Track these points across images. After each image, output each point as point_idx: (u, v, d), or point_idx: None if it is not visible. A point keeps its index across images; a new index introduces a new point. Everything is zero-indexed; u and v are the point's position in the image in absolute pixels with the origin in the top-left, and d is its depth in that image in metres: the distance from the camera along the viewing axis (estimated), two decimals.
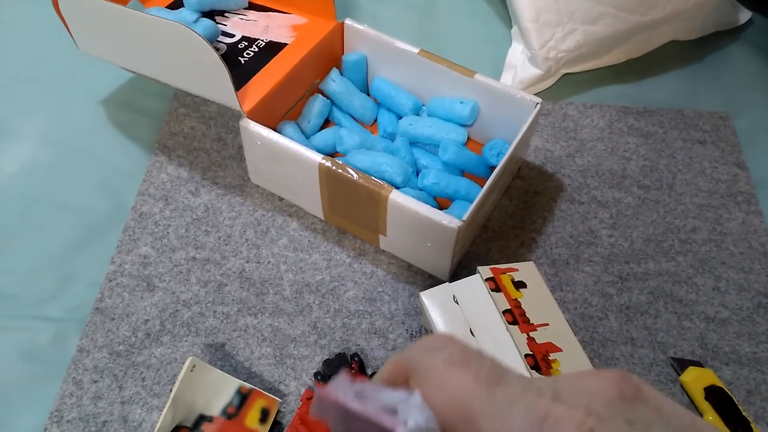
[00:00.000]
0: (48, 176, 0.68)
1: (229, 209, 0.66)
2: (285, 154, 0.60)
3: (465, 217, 0.54)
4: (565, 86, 0.79)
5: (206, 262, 0.62)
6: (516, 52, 0.79)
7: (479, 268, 0.54)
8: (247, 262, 0.62)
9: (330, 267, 0.62)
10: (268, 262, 0.62)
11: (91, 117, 0.74)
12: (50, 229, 0.64)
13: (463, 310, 0.52)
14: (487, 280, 0.53)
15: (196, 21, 0.71)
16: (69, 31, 0.67)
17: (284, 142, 0.60)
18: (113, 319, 0.57)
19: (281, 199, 0.67)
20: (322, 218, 0.65)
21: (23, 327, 0.57)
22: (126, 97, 0.76)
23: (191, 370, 0.49)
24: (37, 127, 0.72)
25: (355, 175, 0.57)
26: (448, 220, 0.54)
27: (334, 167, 0.58)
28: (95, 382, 0.54)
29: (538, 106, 0.63)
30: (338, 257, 0.63)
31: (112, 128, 0.73)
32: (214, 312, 0.58)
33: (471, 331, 0.51)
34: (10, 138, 0.71)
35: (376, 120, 0.73)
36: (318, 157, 0.59)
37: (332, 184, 0.60)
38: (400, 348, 0.57)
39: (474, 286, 0.54)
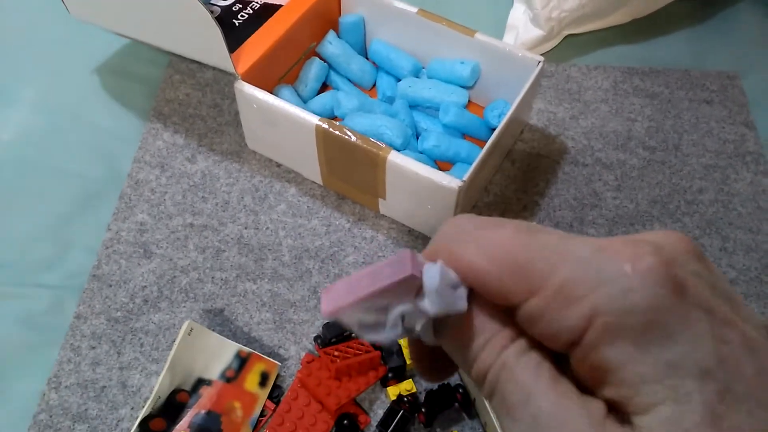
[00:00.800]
0: (43, 143, 0.67)
1: (227, 176, 0.65)
2: (281, 117, 0.59)
3: (465, 177, 0.53)
4: (568, 48, 0.77)
5: (204, 229, 0.61)
6: (518, 13, 0.77)
7: None
8: (246, 228, 0.61)
9: (329, 232, 0.61)
10: (267, 228, 0.61)
11: (86, 84, 0.72)
12: (46, 196, 0.63)
13: None
14: None
15: None
16: None
17: (280, 104, 0.59)
18: (110, 286, 0.57)
19: (279, 165, 0.66)
20: (321, 183, 0.64)
21: (20, 294, 0.56)
22: (120, 63, 0.74)
23: (189, 334, 0.48)
24: (32, 93, 0.71)
25: (353, 137, 0.56)
26: (448, 181, 0.53)
27: (330, 129, 0.57)
28: (93, 348, 0.53)
29: (541, 64, 0.61)
30: (337, 222, 0.62)
31: (107, 95, 0.71)
32: (213, 278, 0.58)
33: None
34: (4, 105, 0.70)
35: (374, 84, 0.72)
36: (314, 119, 0.57)
37: (330, 146, 0.58)
38: None
39: None
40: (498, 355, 0.21)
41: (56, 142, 0.67)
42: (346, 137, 0.56)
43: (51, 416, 0.49)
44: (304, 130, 0.58)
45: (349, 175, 0.60)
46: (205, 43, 0.59)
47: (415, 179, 0.54)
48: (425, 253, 0.23)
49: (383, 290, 0.21)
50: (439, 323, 0.23)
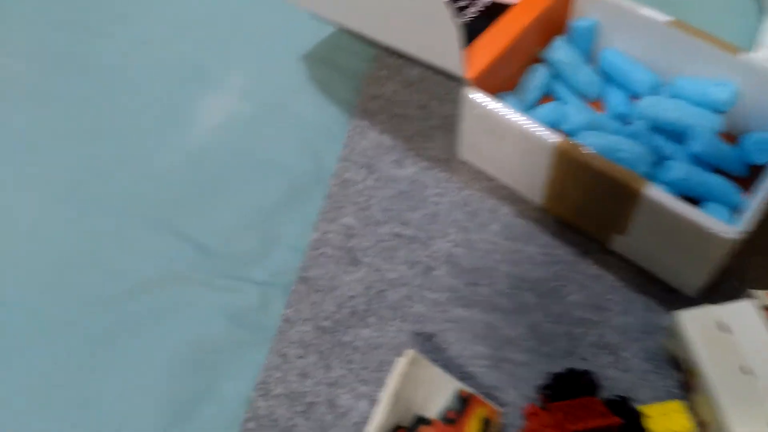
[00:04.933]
0: (249, 131, 0.66)
1: (435, 185, 0.60)
2: (511, 130, 0.54)
3: (743, 225, 0.45)
4: None
5: (412, 241, 0.57)
6: None
7: (754, 292, 0.45)
8: (456, 246, 0.56)
9: (549, 263, 0.55)
10: (479, 249, 0.56)
11: (292, 73, 0.70)
12: (253, 186, 0.61)
13: (736, 341, 0.43)
14: (765, 307, 0.44)
15: None
16: None
17: (513, 116, 0.53)
18: (318, 291, 0.54)
19: (491, 179, 0.60)
20: (540, 205, 0.58)
21: (229, 287, 0.55)
22: (326, 54, 0.72)
23: (410, 365, 0.44)
24: (239, 80, 0.70)
25: (601, 163, 0.49)
26: (723, 229, 0.45)
27: (574, 150, 0.50)
28: (301, 357, 0.51)
29: None
30: (558, 252, 0.56)
31: (312, 86, 0.69)
32: (422, 297, 0.53)
33: (741, 368, 0.43)
34: (213, 90, 0.69)
35: (598, 97, 0.64)
36: (554, 136, 0.51)
37: (566, 168, 0.52)
38: (635, 371, 0.49)
39: (746, 312, 0.45)
40: None
41: (263, 131, 0.66)
42: (592, 161, 0.50)
43: (259, 426, 0.47)
44: (537, 147, 0.53)
45: (582, 201, 0.54)
46: (435, 41, 0.54)
47: (677, 221, 0.47)
48: None
49: None
50: None
